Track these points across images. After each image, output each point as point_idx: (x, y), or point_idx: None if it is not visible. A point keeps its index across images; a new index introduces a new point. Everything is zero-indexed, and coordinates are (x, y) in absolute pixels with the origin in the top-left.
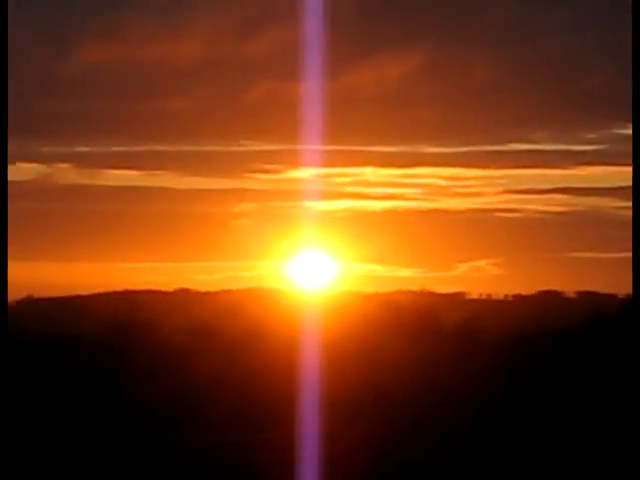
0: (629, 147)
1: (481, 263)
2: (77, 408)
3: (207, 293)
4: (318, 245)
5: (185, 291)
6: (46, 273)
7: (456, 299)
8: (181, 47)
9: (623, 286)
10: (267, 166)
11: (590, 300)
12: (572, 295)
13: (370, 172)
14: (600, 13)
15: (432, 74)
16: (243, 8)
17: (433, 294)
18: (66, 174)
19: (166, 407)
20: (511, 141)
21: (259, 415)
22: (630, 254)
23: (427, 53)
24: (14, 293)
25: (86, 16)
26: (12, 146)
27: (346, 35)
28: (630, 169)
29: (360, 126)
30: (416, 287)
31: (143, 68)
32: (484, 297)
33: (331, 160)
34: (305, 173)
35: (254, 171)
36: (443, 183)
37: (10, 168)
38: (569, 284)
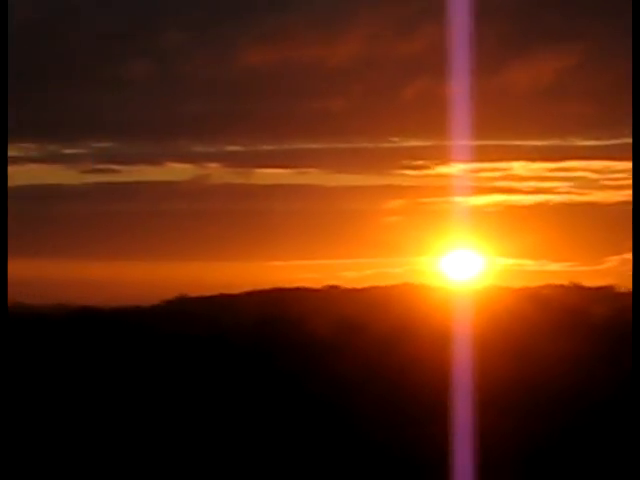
0: None
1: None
2: (230, 405)
3: (356, 289)
4: (468, 240)
5: (334, 288)
6: (198, 272)
7: (605, 293)
8: (339, 48)
9: None
10: (416, 162)
11: None
12: None
13: (520, 166)
14: None
15: (586, 70)
16: (399, 8)
17: (582, 288)
18: (217, 174)
19: (317, 405)
20: None
21: (410, 411)
22: None
23: (582, 49)
24: (166, 292)
25: (247, 19)
26: (162, 147)
27: (500, 32)
28: None
29: (510, 121)
30: (565, 281)
31: (301, 69)
32: None
33: (480, 155)
34: (454, 169)
35: (403, 167)
36: (593, 176)
37: (159, 169)
38: None
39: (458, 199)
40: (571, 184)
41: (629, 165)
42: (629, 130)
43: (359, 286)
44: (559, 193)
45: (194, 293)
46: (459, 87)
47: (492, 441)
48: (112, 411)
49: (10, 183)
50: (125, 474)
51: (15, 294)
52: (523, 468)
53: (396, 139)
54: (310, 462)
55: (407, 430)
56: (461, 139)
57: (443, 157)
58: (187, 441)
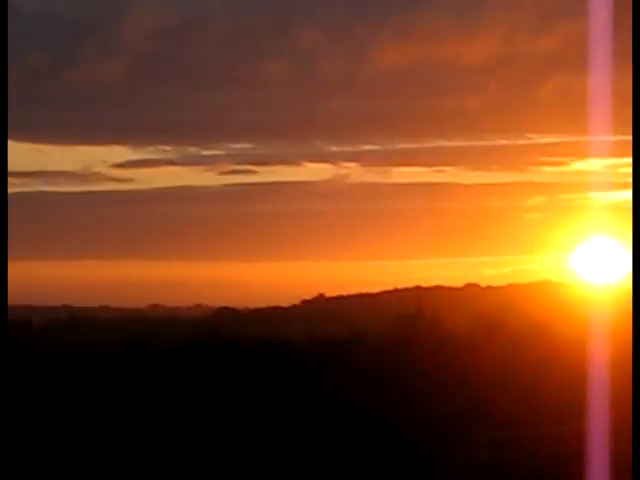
0: None
1: None
2: (365, 402)
3: (494, 287)
4: (607, 237)
5: (474, 286)
6: (337, 272)
7: None
8: (477, 44)
9: None
10: (553, 158)
11: None
12: None
13: None
14: None
15: None
16: (537, 3)
17: None
18: (355, 173)
19: (455, 400)
20: None
21: (546, 410)
22: None
23: None
24: (306, 292)
25: (383, 17)
26: (300, 147)
27: None
28: None
29: None
30: None
31: (437, 67)
32: None
33: (618, 150)
34: (592, 164)
35: (541, 164)
36: None
37: (297, 169)
38: None
39: (596, 195)
40: None
41: None
42: None
43: (498, 284)
44: None
45: (333, 293)
46: (597, 82)
47: (627, 441)
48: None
49: (151, 184)
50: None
51: (153, 296)
52: None
53: (533, 135)
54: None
55: (543, 427)
56: (599, 135)
57: (580, 153)
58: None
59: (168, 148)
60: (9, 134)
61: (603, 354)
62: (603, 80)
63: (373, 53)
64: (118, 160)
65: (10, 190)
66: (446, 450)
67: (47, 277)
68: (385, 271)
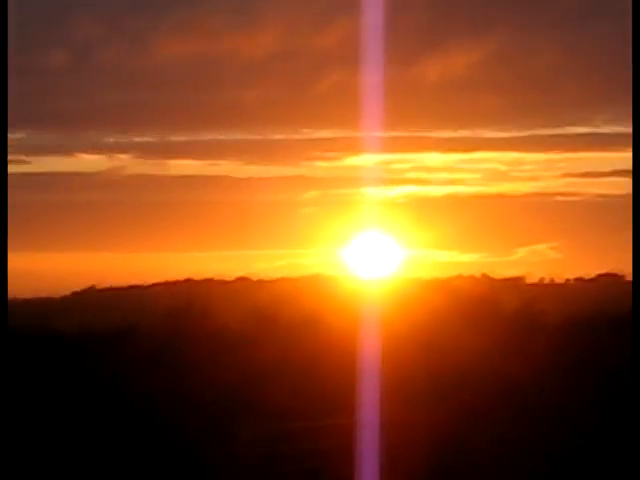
0: None
1: (541, 247)
2: (134, 396)
3: (266, 281)
4: (379, 232)
5: (245, 279)
6: (110, 264)
7: (516, 283)
8: (255, 40)
9: None
10: (327, 153)
11: None
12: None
13: (430, 157)
14: None
15: (498, 62)
16: (314, 1)
17: (493, 279)
18: (129, 165)
19: (225, 395)
20: (571, 124)
21: (318, 403)
22: None
23: (496, 42)
24: (78, 284)
25: (162, 9)
26: (73, 138)
27: (416, 25)
28: None
29: (422, 113)
30: (476, 272)
31: (215, 61)
32: (544, 281)
33: (392, 146)
34: (365, 160)
35: (315, 159)
36: (503, 168)
37: (69, 160)
38: (630, 267)
39: (369, 190)
40: (481, 175)
41: (538, 157)
42: (537, 122)
43: (270, 277)
44: (469, 184)
45: (104, 284)
46: (371, 79)
47: (398, 433)
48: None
49: None
50: None
51: None
52: (428, 459)
53: (307, 130)
54: (214, 457)
55: (314, 421)
56: (372, 130)
57: (354, 148)
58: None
59: None
60: None
61: (373, 347)
62: (376, 77)
63: (152, 46)
64: None
65: None
66: (213, 443)
67: None
68: (157, 263)
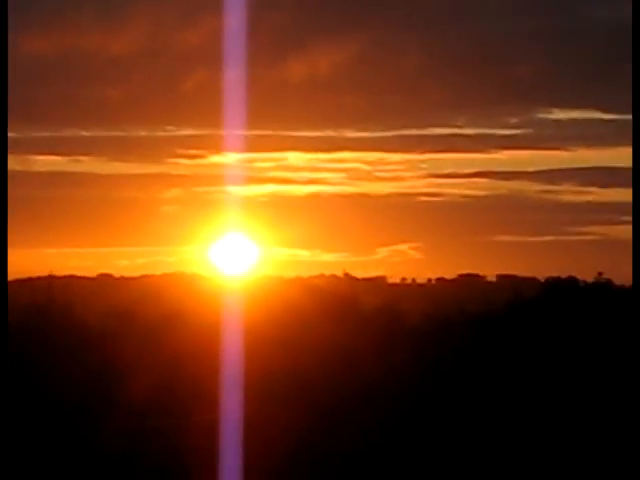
0: (551, 131)
1: (403, 247)
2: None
3: (128, 278)
4: (241, 230)
5: (107, 276)
6: None
7: (377, 283)
8: (121, 37)
9: (543, 269)
10: (191, 151)
11: (510, 283)
12: (493, 279)
13: (294, 157)
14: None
15: (362, 63)
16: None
17: (355, 278)
18: None
19: (84, 392)
20: (433, 125)
21: (179, 400)
22: (549, 238)
23: (360, 42)
24: None
25: (30, 5)
26: None
27: (281, 24)
28: (551, 153)
29: (285, 112)
30: (338, 271)
31: (80, 57)
32: (405, 281)
33: (255, 145)
34: (228, 158)
35: (178, 156)
36: (366, 168)
37: None
38: (490, 268)
39: (232, 188)
40: (344, 175)
41: (400, 157)
42: (399, 123)
43: (132, 274)
44: (332, 184)
45: None
46: (234, 78)
47: (259, 430)
48: None
49: None
50: None
51: None
52: (289, 456)
53: (171, 128)
54: (74, 454)
55: (174, 420)
56: (234, 129)
57: (217, 147)
58: None
59: None
60: None
61: (235, 345)
62: (239, 75)
63: (16, 42)
64: None
65: None
66: (74, 440)
67: None
68: (18, 259)
